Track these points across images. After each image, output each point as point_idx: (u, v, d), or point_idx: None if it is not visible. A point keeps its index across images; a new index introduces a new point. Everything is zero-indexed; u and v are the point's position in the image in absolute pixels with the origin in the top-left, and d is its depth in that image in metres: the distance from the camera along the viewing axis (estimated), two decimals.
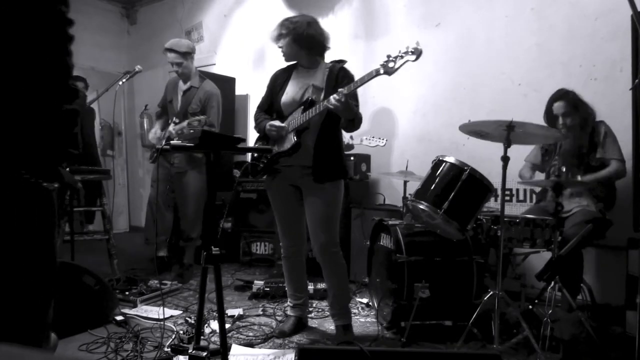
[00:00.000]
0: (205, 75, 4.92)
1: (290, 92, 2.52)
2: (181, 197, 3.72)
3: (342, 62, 2.53)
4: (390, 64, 2.06)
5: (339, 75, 2.44)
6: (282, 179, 2.54)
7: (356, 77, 2.30)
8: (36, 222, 1.12)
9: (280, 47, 2.53)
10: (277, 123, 2.47)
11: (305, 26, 2.44)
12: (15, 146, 1.06)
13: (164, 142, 3.58)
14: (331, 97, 2.17)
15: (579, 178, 2.75)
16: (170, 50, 3.59)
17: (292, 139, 2.40)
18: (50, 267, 1.17)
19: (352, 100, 2.30)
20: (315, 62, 2.52)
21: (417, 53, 2.01)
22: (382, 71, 2.08)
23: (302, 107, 2.40)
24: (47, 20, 1.07)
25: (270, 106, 2.62)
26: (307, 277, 2.77)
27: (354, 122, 2.36)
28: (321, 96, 2.39)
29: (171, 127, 3.60)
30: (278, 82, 2.60)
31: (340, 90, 2.18)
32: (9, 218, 1.08)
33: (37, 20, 1.05)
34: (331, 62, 2.54)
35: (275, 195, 2.62)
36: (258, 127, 2.60)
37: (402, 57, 2.04)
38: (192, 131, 3.43)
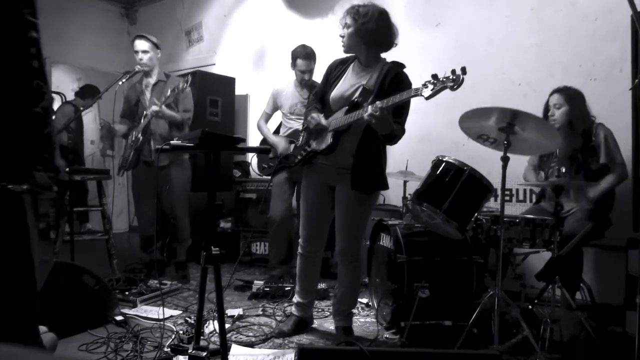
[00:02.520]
0: (204, 76, 4.93)
1: (340, 88, 2.41)
2: (167, 194, 3.65)
3: (401, 66, 2.36)
4: (430, 87, 1.92)
5: (394, 80, 2.27)
6: (319, 175, 2.50)
7: None
8: (4, 224, 1.13)
9: (341, 37, 2.38)
10: (320, 118, 2.42)
11: (373, 19, 2.26)
12: None
13: (140, 136, 3.55)
14: (369, 107, 2.09)
15: (590, 194, 2.74)
16: (141, 36, 3.61)
17: (329, 139, 2.37)
18: (25, 268, 1.17)
19: (398, 113, 2.24)
20: (373, 60, 2.38)
21: (458, 83, 1.88)
22: (420, 92, 1.96)
23: (347, 107, 2.32)
24: (11, 25, 1.07)
25: (323, 96, 2.53)
26: (319, 280, 2.75)
27: (392, 137, 2.25)
28: (369, 99, 2.24)
29: (150, 110, 3.47)
30: (333, 73, 2.50)
31: (377, 103, 2.08)
32: None
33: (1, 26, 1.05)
34: (391, 62, 2.38)
35: (308, 188, 2.56)
36: (305, 113, 2.58)
37: (442, 82, 1.90)
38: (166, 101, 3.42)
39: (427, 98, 1.96)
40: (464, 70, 1.88)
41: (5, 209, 1.13)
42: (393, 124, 2.18)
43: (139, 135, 3.54)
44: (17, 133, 1.13)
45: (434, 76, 1.93)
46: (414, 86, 2.11)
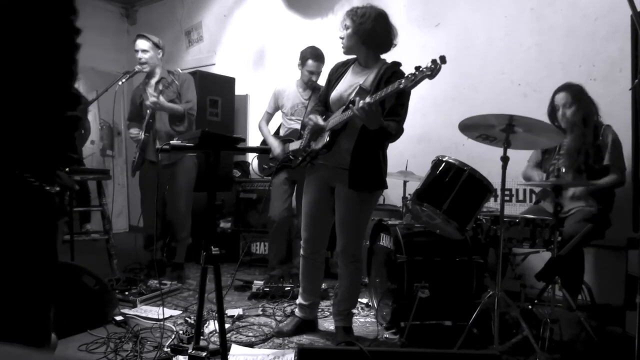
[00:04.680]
0: (204, 76, 4.93)
1: (339, 89, 2.45)
2: (171, 193, 3.65)
3: (398, 64, 2.38)
4: (411, 77, 1.94)
5: (390, 79, 2.26)
6: (319, 175, 2.52)
7: None
8: (39, 225, 1.14)
9: (341, 38, 2.40)
10: (317, 119, 2.45)
11: (370, 19, 2.29)
12: (20, 150, 1.08)
13: (142, 134, 3.55)
14: (358, 103, 2.09)
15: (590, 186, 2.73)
16: (142, 36, 3.61)
17: (326, 137, 2.39)
18: (51, 269, 1.18)
19: (395, 111, 2.25)
20: (372, 61, 2.40)
21: (435, 72, 1.89)
22: (402, 86, 1.97)
23: (344, 107, 2.33)
24: (57, 29, 1.09)
25: (326, 99, 2.55)
26: (322, 281, 2.75)
27: (383, 134, 2.23)
28: (366, 99, 2.20)
29: (147, 102, 3.48)
30: (335, 75, 2.54)
31: (367, 98, 2.09)
32: (14, 221, 1.09)
33: (47, 28, 1.07)
34: (391, 62, 2.39)
35: (309, 188, 2.57)
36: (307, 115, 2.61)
37: (422, 72, 1.92)
38: (164, 94, 3.44)
39: (408, 89, 2.00)
40: (442, 59, 1.89)
41: (41, 210, 1.13)
42: (382, 119, 2.19)
43: (141, 133, 3.54)
44: (54, 134, 1.14)
45: (417, 67, 1.95)
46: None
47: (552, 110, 2.91)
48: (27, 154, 1.09)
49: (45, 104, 1.10)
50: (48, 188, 1.13)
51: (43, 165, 1.13)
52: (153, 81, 3.66)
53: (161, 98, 3.41)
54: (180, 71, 3.81)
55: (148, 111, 3.51)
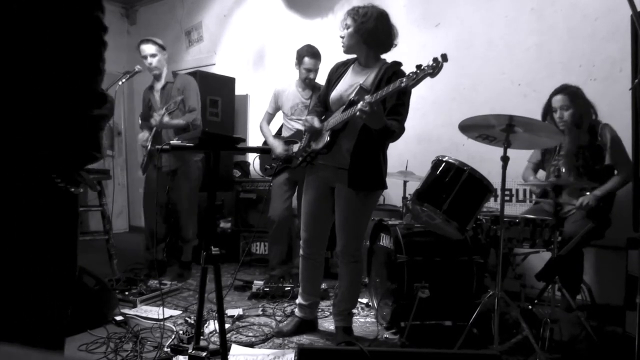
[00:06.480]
0: (204, 76, 4.93)
1: (339, 89, 2.44)
2: (175, 197, 3.68)
3: (399, 64, 2.38)
4: (412, 76, 1.93)
5: (391, 78, 2.24)
6: (319, 176, 2.52)
7: None
8: (63, 228, 1.13)
9: (341, 37, 2.41)
10: (313, 121, 2.46)
11: (372, 19, 2.30)
12: (48, 150, 1.06)
13: (150, 143, 3.57)
14: (359, 104, 2.09)
15: (591, 193, 2.70)
16: (147, 40, 3.62)
17: (326, 137, 2.39)
18: (72, 271, 1.17)
19: (396, 111, 2.25)
20: (373, 61, 2.41)
21: (437, 69, 1.88)
22: (403, 84, 1.96)
23: (344, 106, 2.33)
24: (84, 26, 1.07)
25: (326, 99, 2.55)
26: (321, 281, 2.75)
27: (386, 133, 2.21)
28: (366, 97, 2.18)
29: (152, 121, 3.55)
30: (335, 75, 2.54)
31: (366, 97, 2.09)
32: (40, 223, 1.08)
33: (73, 26, 1.06)
34: (391, 62, 2.39)
35: (309, 189, 2.57)
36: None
37: (423, 70, 1.90)
38: (171, 117, 3.46)
39: (410, 88, 2.00)
40: (444, 57, 1.88)
41: (65, 212, 1.13)
42: (385, 119, 2.18)
43: (149, 144, 3.56)
44: (81, 134, 1.12)
45: (418, 66, 1.94)
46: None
47: (547, 111, 2.89)
48: (54, 154, 1.07)
49: (72, 103, 1.08)
50: (73, 190, 1.11)
51: (68, 165, 1.11)
52: (159, 86, 3.68)
53: (166, 118, 3.42)
54: (186, 76, 3.82)
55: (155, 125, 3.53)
